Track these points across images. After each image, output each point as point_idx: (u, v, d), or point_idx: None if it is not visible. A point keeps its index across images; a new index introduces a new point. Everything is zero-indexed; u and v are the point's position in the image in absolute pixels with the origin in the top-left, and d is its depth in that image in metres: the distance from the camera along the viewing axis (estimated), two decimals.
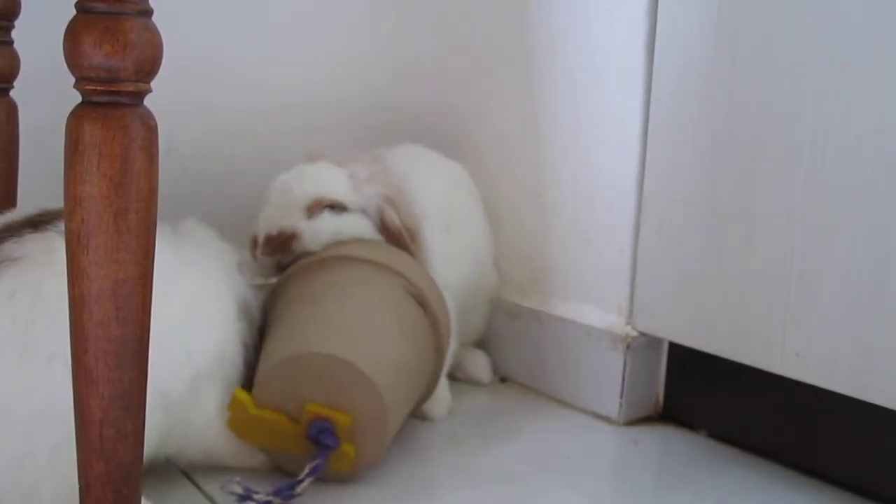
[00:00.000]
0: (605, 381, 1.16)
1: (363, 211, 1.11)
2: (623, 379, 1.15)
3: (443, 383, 1.13)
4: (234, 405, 0.91)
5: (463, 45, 1.41)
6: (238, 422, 0.92)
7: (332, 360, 0.91)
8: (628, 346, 1.15)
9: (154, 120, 0.61)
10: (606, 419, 1.17)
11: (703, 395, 1.15)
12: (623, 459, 1.06)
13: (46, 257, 0.77)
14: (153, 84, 0.63)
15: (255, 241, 1.11)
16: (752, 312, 1.02)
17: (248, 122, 1.36)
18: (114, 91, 0.59)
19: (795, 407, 1.03)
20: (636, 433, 1.14)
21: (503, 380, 1.30)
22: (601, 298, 1.20)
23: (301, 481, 0.87)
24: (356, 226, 1.10)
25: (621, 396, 1.15)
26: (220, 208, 1.34)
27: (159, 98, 0.66)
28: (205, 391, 0.90)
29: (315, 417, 0.90)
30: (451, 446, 1.07)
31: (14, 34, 0.99)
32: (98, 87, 0.59)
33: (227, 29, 1.32)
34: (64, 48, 0.59)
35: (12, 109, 0.99)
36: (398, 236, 1.11)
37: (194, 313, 0.90)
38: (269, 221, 1.10)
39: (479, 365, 1.27)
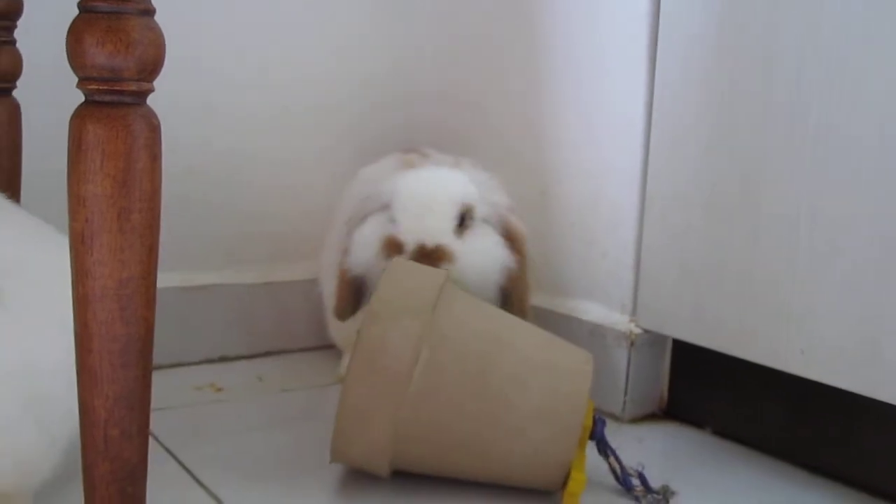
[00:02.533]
0: (610, 378, 1.16)
1: (485, 220, 1.06)
2: (627, 376, 1.15)
3: None
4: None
5: (466, 43, 1.41)
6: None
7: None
8: (633, 344, 1.15)
9: (157, 119, 0.61)
10: (611, 416, 1.17)
11: (707, 392, 1.15)
12: (628, 457, 1.06)
13: None
14: (157, 83, 0.63)
15: (396, 246, 1.01)
16: (757, 309, 1.02)
17: (253, 120, 1.36)
18: (117, 90, 0.59)
19: (801, 404, 1.03)
20: (641, 431, 1.14)
21: None
22: (605, 296, 1.20)
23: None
24: (500, 255, 1.05)
25: (626, 394, 1.15)
26: (225, 207, 1.35)
27: (163, 97, 0.66)
28: None
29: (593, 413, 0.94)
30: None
31: (17, 34, 0.99)
32: (101, 87, 0.59)
33: (231, 28, 1.32)
34: (67, 47, 0.59)
35: (15, 109, 1.00)
36: (521, 245, 1.07)
37: None
38: (417, 230, 1.01)
39: None
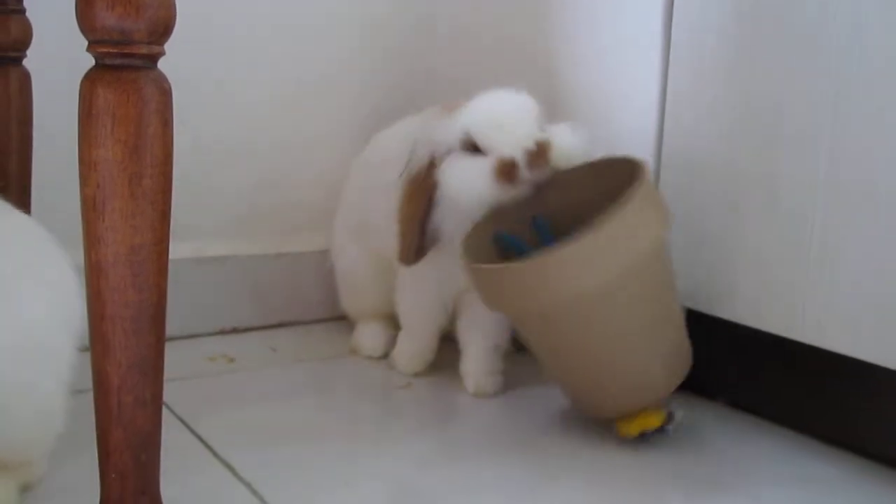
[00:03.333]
0: None
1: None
2: None
3: None
4: None
5: (474, 11, 1.40)
6: None
7: None
8: None
9: (168, 83, 0.61)
10: None
11: (722, 363, 1.14)
12: None
13: None
14: (169, 55, 0.62)
15: (510, 165, 1.00)
16: (773, 279, 1.01)
17: (262, 93, 1.35)
18: (127, 54, 0.58)
19: (816, 374, 1.03)
20: None
21: (519, 349, 1.30)
22: None
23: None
24: (573, 129, 1.07)
25: None
26: (233, 179, 1.34)
27: (172, 70, 0.65)
28: None
29: None
30: (466, 415, 1.06)
31: (26, 3, 0.99)
32: (111, 50, 0.58)
33: (241, 4, 1.31)
34: (76, 10, 0.58)
35: (26, 78, 0.99)
36: None
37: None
38: (516, 140, 1.01)
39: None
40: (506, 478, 0.91)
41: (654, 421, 0.99)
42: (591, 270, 0.91)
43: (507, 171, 1.00)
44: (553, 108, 1.26)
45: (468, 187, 1.02)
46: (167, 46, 0.61)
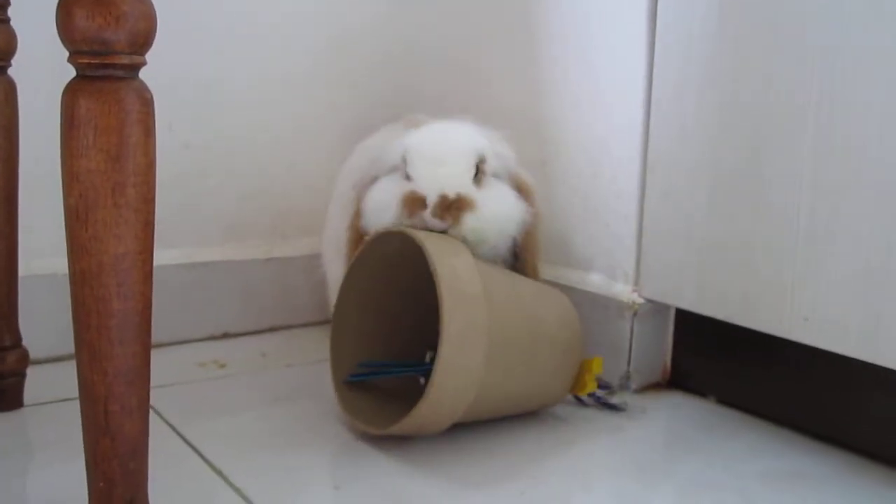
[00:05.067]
0: (613, 348, 1.16)
1: (496, 174, 1.04)
2: (630, 346, 1.15)
3: None
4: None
5: (464, 13, 1.40)
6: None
7: None
8: (635, 314, 1.15)
9: (150, 93, 0.61)
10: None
11: (711, 361, 1.14)
12: (632, 427, 1.06)
13: None
14: (153, 61, 0.62)
15: (417, 201, 0.97)
16: (760, 277, 1.01)
17: (250, 97, 1.35)
18: (108, 64, 0.58)
19: (804, 371, 1.03)
20: (644, 400, 1.14)
21: None
22: (607, 266, 1.20)
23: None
24: (517, 206, 1.04)
25: (629, 364, 1.15)
26: (222, 184, 1.34)
27: (158, 75, 0.65)
28: None
29: None
30: None
31: (10, 12, 0.98)
32: (92, 61, 0.58)
33: (227, 4, 1.31)
34: (56, 21, 0.58)
35: (11, 88, 0.99)
36: (532, 197, 1.06)
37: None
38: (437, 181, 0.97)
39: None
40: (497, 480, 0.91)
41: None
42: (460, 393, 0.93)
43: (411, 205, 0.97)
44: (537, 111, 1.27)
45: (375, 210, 1.02)
46: (154, 52, 0.62)
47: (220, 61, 1.31)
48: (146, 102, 0.60)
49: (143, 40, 0.59)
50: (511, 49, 1.32)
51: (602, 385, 1.10)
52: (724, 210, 1.05)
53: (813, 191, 0.95)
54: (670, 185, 1.11)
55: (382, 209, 1.01)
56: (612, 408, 1.10)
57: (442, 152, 0.99)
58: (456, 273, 0.92)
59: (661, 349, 1.18)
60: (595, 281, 1.20)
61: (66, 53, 0.59)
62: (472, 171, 0.99)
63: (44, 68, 1.03)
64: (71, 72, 0.60)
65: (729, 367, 1.12)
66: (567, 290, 1.22)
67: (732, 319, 1.05)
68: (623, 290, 1.17)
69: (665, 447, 1.02)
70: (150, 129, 0.61)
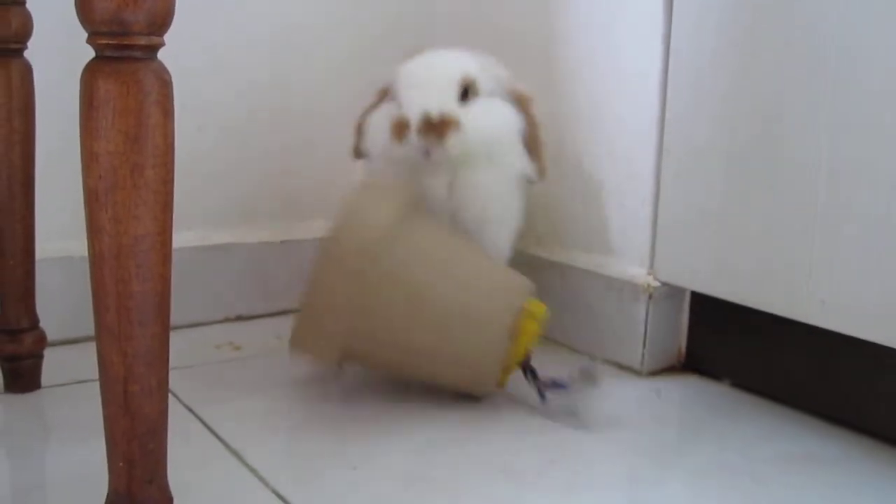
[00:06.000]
0: (628, 331, 1.16)
1: (491, 93, 1.08)
2: (645, 329, 1.15)
3: None
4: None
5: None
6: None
7: None
8: (650, 297, 1.14)
9: (168, 74, 0.61)
10: (629, 370, 1.17)
11: (726, 344, 1.14)
12: (646, 410, 1.06)
13: None
14: (167, 44, 0.62)
15: (403, 124, 1.02)
16: (776, 260, 1.01)
17: (264, 78, 1.35)
18: (126, 45, 0.58)
19: (820, 355, 1.03)
20: (659, 383, 1.14)
21: None
22: (622, 249, 1.19)
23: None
24: (508, 116, 1.08)
25: (644, 347, 1.15)
26: (236, 167, 1.34)
27: (173, 55, 0.65)
28: None
29: None
30: (474, 400, 1.07)
31: None
32: (110, 42, 0.58)
33: None
34: (75, 2, 0.58)
35: (27, 70, 0.99)
36: (530, 106, 1.10)
37: None
38: (420, 103, 1.02)
39: None
40: (514, 463, 0.91)
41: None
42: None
43: (399, 129, 1.02)
44: (552, 91, 1.26)
45: (371, 136, 1.09)
46: (169, 34, 0.61)
47: (236, 43, 1.31)
48: (165, 83, 0.60)
49: (161, 21, 0.59)
50: (525, 32, 1.31)
51: (556, 383, 1.02)
52: (740, 192, 1.04)
53: (830, 172, 0.95)
54: (685, 167, 1.10)
55: (376, 134, 1.08)
56: (569, 411, 1.01)
57: (427, 77, 1.05)
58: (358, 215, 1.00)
59: (676, 332, 1.18)
60: (610, 264, 1.20)
61: (82, 36, 0.59)
62: (457, 92, 1.04)
63: (59, 51, 1.03)
64: (86, 55, 0.60)
65: (744, 350, 1.12)
66: (582, 273, 1.22)
67: (748, 302, 1.05)
68: (638, 273, 1.16)
69: (679, 430, 1.02)
70: (169, 111, 0.60)
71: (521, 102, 1.10)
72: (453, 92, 1.04)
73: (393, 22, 1.45)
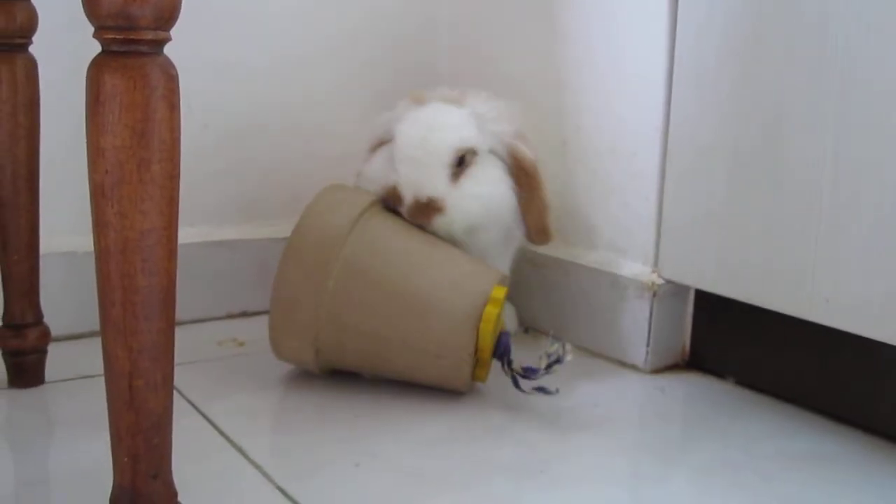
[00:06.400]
0: (632, 329, 1.16)
1: (492, 151, 1.10)
2: (649, 327, 1.15)
3: None
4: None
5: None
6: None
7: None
8: (654, 294, 1.14)
9: (175, 69, 0.61)
10: (633, 367, 1.17)
11: (730, 342, 1.14)
12: (650, 407, 1.06)
13: None
14: (172, 41, 0.62)
15: (397, 196, 1.07)
16: (780, 258, 1.01)
17: (268, 77, 1.35)
18: (133, 40, 0.58)
19: (824, 353, 1.03)
20: (663, 381, 1.14)
21: (527, 330, 1.30)
22: (627, 247, 1.19)
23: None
24: (501, 188, 1.10)
25: (648, 345, 1.15)
26: (240, 164, 1.34)
27: (178, 54, 0.65)
28: None
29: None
30: (477, 396, 1.07)
31: None
32: (117, 37, 0.58)
33: None
34: None
35: (32, 65, 0.99)
36: (530, 173, 1.11)
37: None
38: (412, 183, 1.06)
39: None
40: (516, 460, 0.91)
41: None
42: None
43: (393, 199, 1.07)
44: (558, 90, 1.26)
45: (372, 180, 1.11)
46: (174, 31, 0.61)
47: (240, 41, 1.31)
48: (171, 78, 0.60)
49: (168, 15, 0.59)
50: (531, 30, 1.31)
51: (528, 369, 1.01)
52: (744, 189, 1.04)
53: (835, 170, 0.95)
54: (690, 165, 1.10)
55: (375, 184, 1.11)
56: (543, 391, 1.01)
57: (419, 155, 1.06)
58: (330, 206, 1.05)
59: (680, 330, 1.18)
60: (614, 262, 1.20)
61: (88, 30, 0.59)
62: (449, 169, 1.06)
63: (65, 45, 1.03)
64: (91, 49, 0.60)
65: (748, 348, 1.12)
66: (586, 270, 1.22)
67: (752, 300, 1.05)
68: (643, 271, 1.16)
69: (683, 427, 1.02)
70: (175, 106, 0.61)
71: (521, 170, 1.11)
72: (445, 171, 1.06)
73: (397, 26, 1.45)
